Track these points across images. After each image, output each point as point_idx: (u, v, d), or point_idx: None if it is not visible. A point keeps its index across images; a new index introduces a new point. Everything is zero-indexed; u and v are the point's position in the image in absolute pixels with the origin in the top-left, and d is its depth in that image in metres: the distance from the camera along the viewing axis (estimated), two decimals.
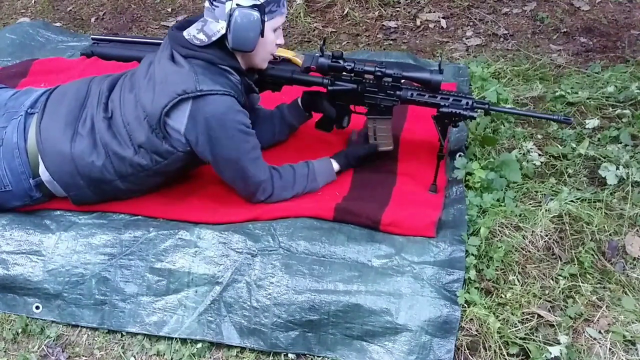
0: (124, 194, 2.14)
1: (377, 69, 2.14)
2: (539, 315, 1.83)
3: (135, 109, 2.00)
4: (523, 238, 1.99)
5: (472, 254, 1.93)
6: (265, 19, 1.95)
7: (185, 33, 2.01)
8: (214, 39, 1.96)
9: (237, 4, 1.91)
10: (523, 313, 1.83)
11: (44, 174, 2.08)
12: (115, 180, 2.07)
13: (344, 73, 2.19)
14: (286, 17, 2.11)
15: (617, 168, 2.19)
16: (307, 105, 2.34)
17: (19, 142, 2.08)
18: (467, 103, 2.12)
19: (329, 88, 2.22)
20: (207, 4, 1.98)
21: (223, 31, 1.94)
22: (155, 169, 2.06)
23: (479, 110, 2.16)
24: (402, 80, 2.16)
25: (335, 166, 2.23)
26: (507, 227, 2.02)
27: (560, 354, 1.73)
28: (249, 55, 2.03)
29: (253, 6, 1.92)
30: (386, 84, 2.17)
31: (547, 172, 2.28)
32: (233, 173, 2.06)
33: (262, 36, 1.96)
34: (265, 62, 2.13)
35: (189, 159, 2.06)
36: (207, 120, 1.93)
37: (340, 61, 2.16)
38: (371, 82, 2.18)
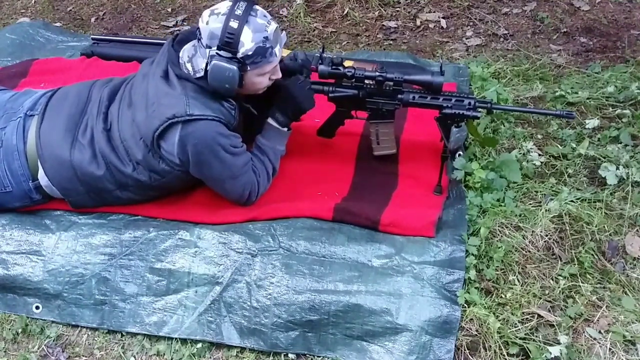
0: (124, 202, 2.13)
1: (377, 73, 2.13)
2: (539, 315, 1.83)
3: (132, 126, 1.99)
4: (523, 238, 1.99)
5: (472, 254, 1.93)
6: (249, 69, 1.91)
7: (180, 53, 1.99)
8: (197, 75, 1.94)
9: (217, 52, 1.87)
10: (523, 313, 1.83)
11: (42, 178, 2.07)
12: (115, 190, 2.07)
13: (344, 79, 2.18)
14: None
15: (617, 168, 2.19)
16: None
17: (18, 144, 2.07)
18: (470, 103, 2.12)
19: (330, 95, 2.21)
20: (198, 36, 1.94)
21: (203, 73, 1.91)
22: (155, 184, 2.06)
23: (481, 110, 2.17)
24: (403, 84, 2.16)
25: (275, 120, 2.14)
26: (507, 227, 2.02)
27: (560, 354, 1.73)
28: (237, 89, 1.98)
29: (231, 59, 1.87)
30: (387, 88, 2.16)
31: (547, 172, 2.28)
32: (224, 189, 2.06)
33: (240, 86, 1.92)
34: (259, 91, 2.06)
35: (187, 176, 2.05)
36: (195, 145, 1.92)
37: (341, 68, 2.16)
38: (372, 86, 2.18)
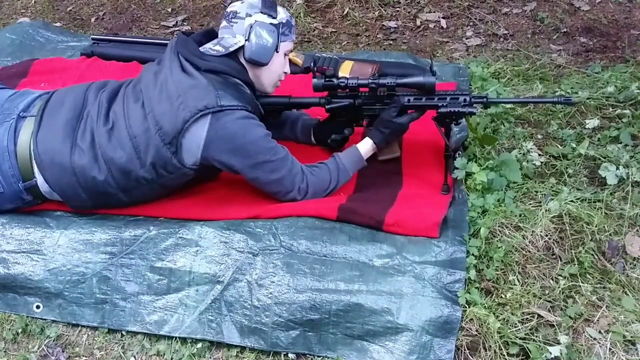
0: (126, 204, 2.14)
1: (370, 81, 2.16)
2: (539, 315, 1.83)
3: (145, 121, 1.99)
4: (523, 238, 1.99)
5: (473, 254, 1.93)
6: (279, 40, 2.06)
7: (200, 48, 2.06)
8: (230, 49, 2.03)
9: (256, 20, 2.03)
10: (523, 313, 1.83)
11: (42, 185, 2.07)
12: (118, 193, 2.08)
13: (338, 90, 2.21)
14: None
15: (617, 168, 2.19)
16: (319, 136, 2.37)
17: (9, 145, 2.06)
18: (465, 100, 2.13)
19: (327, 107, 2.24)
20: (224, 22, 2.07)
21: (241, 43, 2.04)
22: (160, 182, 2.07)
23: (478, 105, 2.18)
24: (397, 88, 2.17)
25: (366, 147, 2.20)
26: (507, 227, 2.02)
27: (560, 354, 1.73)
28: (260, 73, 2.10)
29: (270, 24, 2.04)
30: (382, 93, 2.18)
31: (547, 172, 2.28)
32: (265, 177, 2.05)
33: (277, 51, 2.06)
34: (272, 87, 2.18)
35: (194, 175, 2.07)
36: (227, 130, 1.96)
37: (334, 79, 2.18)
38: (367, 94, 2.20)
